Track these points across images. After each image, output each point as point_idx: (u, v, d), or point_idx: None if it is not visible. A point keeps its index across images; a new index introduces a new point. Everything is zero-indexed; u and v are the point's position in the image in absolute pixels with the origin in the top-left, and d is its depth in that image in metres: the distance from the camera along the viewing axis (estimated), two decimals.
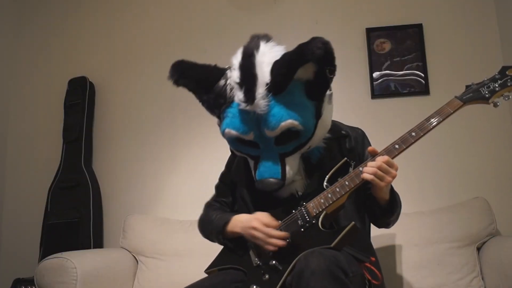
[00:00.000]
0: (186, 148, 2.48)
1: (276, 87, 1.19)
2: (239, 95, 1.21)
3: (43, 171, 2.60)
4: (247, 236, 1.26)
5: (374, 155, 1.22)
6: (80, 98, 2.56)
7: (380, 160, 1.17)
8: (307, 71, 1.19)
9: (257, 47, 1.21)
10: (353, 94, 2.34)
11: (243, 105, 1.20)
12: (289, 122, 1.19)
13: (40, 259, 2.25)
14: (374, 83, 2.35)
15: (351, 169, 1.25)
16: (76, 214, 2.39)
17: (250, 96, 1.18)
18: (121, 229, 2.20)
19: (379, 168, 1.17)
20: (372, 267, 1.19)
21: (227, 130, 1.27)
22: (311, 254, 1.05)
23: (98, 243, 2.41)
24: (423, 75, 2.31)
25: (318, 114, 1.26)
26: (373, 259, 1.21)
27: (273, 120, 1.19)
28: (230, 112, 1.26)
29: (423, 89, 2.29)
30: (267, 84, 1.18)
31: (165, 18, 2.64)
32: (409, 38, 2.36)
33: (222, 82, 1.28)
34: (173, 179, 2.46)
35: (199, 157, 2.43)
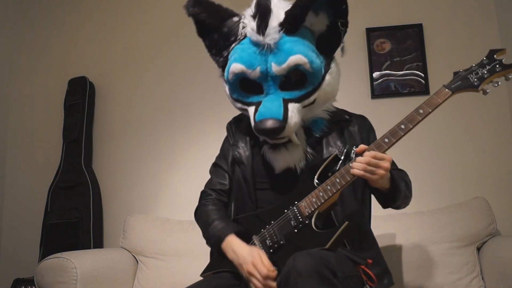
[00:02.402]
0: (186, 148, 2.47)
1: (291, 23, 1.23)
2: (251, 25, 1.24)
3: (43, 171, 2.60)
4: (240, 269, 1.20)
5: (363, 151, 1.21)
6: (80, 98, 2.55)
7: (368, 155, 1.17)
8: (321, 22, 1.25)
9: None
10: (353, 94, 2.34)
11: (254, 36, 1.23)
12: (298, 57, 1.22)
13: (40, 259, 2.25)
14: (374, 83, 2.35)
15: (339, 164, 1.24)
16: (76, 214, 2.39)
17: (263, 25, 1.21)
18: (121, 229, 2.19)
19: (368, 163, 1.16)
20: (367, 270, 1.18)
21: (233, 65, 1.28)
22: (299, 255, 1.04)
23: (98, 243, 2.41)
24: (423, 75, 2.31)
25: (327, 67, 1.30)
26: (370, 261, 1.20)
27: (283, 53, 1.22)
28: (239, 48, 1.29)
29: (423, 89, 2.29)
30: (280, 22, 1.23)
31: (165, 18, 2.64)
32: (409, 38, 2.36)
33: (235, 18, 1.33)
34: (173, 179, 2.46)
35: (199, 157, 2.42)
